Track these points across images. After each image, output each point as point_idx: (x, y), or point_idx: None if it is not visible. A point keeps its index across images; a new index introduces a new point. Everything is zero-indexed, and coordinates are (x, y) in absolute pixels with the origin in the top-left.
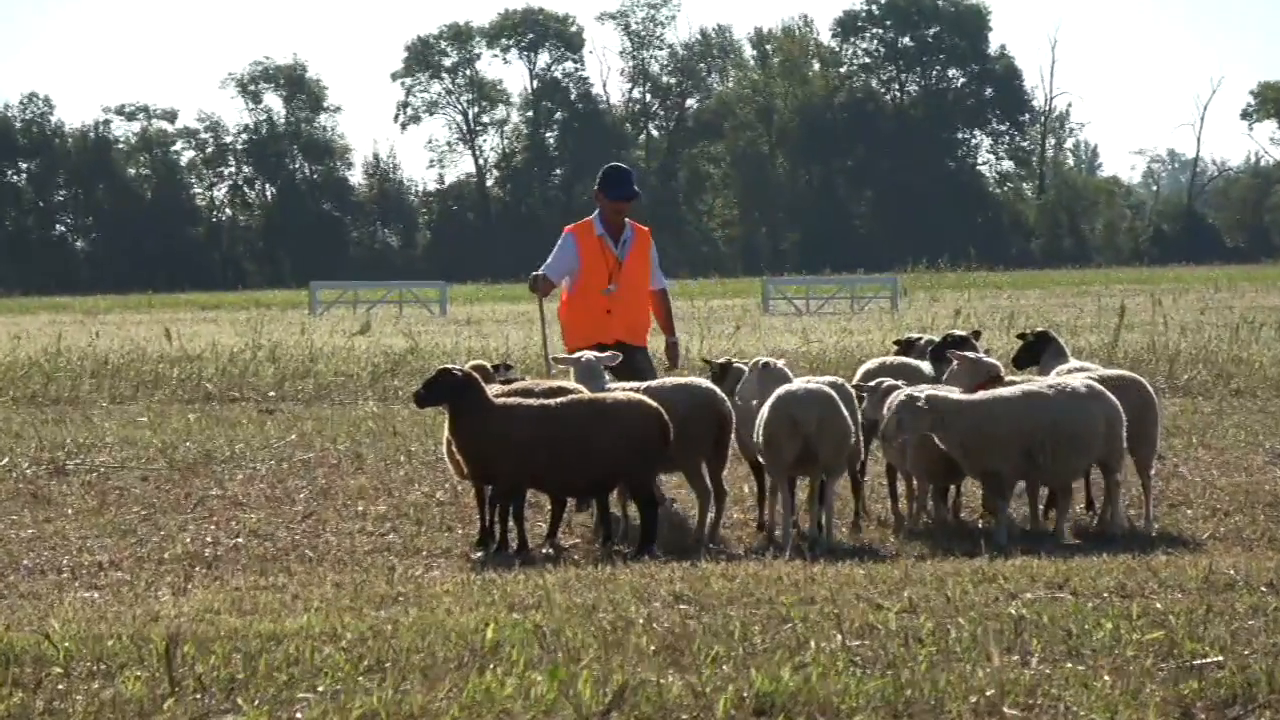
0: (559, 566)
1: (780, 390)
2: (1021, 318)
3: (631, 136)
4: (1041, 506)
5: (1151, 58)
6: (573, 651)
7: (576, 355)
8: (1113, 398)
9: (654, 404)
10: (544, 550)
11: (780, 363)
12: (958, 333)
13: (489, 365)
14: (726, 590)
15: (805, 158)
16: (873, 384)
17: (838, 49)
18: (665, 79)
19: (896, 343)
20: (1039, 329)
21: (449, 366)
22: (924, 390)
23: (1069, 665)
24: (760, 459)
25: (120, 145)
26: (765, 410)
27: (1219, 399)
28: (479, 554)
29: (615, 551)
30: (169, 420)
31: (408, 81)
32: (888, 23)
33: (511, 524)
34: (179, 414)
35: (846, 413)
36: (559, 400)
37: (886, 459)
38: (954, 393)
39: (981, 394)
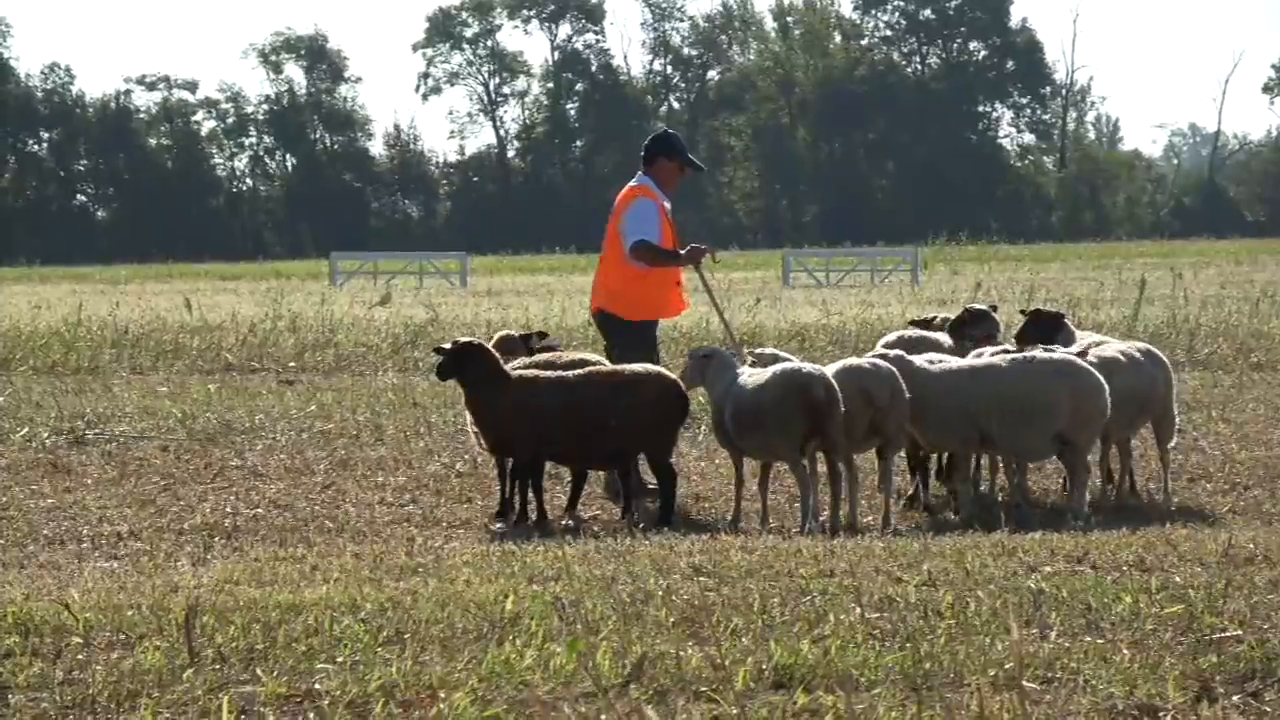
0: (578, 538)
1: (848, 364)
2: (1041, 291)
3: (652, 108)
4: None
5: (1173, 31)
6: (592, 623)
7: (710, 350)
8: (1093, 373)
9: (672, 375)
10: (564, 522)
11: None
12: (977, 306)
13: (516, 334)
14: (746, 563)
15: (826, 130)
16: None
17: (859, 21)
18: (686, 51)
19: (912, 321)
20: (1034, 308)
21: (465, 339)
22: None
23: (1088, 639)
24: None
25: (141, 115)
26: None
27: (1239, 373)
28: (499, 526)
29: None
30: (189, 390)
31: (429, 52)
32: None
33: (531, 496)
34: (199, 384)
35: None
36: (576, 372)
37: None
38: (917, 360)
39: (940, 364)
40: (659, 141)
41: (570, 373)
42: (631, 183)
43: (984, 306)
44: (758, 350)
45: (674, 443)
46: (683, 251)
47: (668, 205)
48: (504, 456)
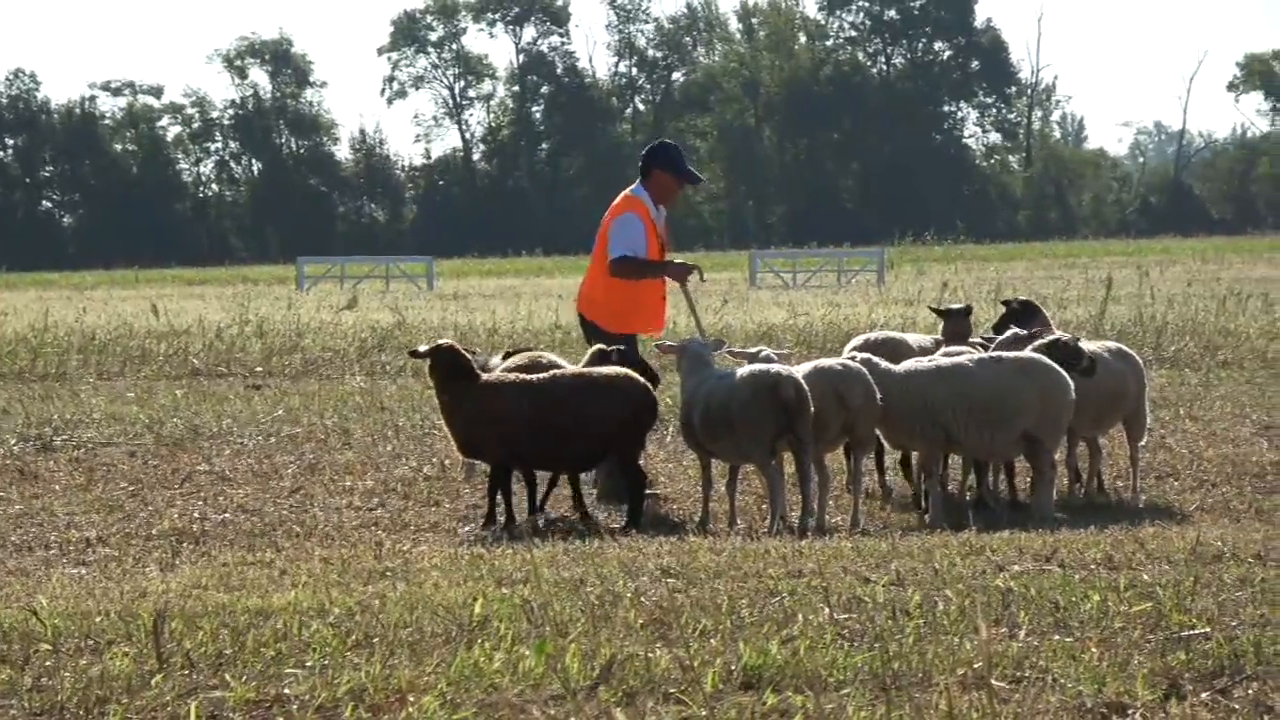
0: (546, 541)
1: (820, 365)
2: (1008, 290)
3: (618, 110)
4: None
5: (1137, 30)
6: (560, 625)
7: (684, 342)
8: (1059, 371)
9: (640, 379)
10: (522, 525)
11: (703, 341)
12: (953, 305)
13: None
14: (714, 564)
15: (792, 131)
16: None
17: (824, 22)
18: (651, 53)
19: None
20: (1022, 298)
21: (442, 340)
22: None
23: (1056, 637)
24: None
25: (106, 121)
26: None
27: (1206, 371)
28: (467, 529)
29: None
30: (156, 396)
31: (394, 56)
32: None
33: (501, 498)
34: (166, 389)
35: None
36: (543, 375)
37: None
38: (883, 362)
39: (904, 365)
40: (656, 154)
41: (536, 376)
42: (626, 191)
43: (959, 305)
44: (735, 349)
45: (642, 445)
46: (669, 264)
47: (662, 216)
48: (470, 458)
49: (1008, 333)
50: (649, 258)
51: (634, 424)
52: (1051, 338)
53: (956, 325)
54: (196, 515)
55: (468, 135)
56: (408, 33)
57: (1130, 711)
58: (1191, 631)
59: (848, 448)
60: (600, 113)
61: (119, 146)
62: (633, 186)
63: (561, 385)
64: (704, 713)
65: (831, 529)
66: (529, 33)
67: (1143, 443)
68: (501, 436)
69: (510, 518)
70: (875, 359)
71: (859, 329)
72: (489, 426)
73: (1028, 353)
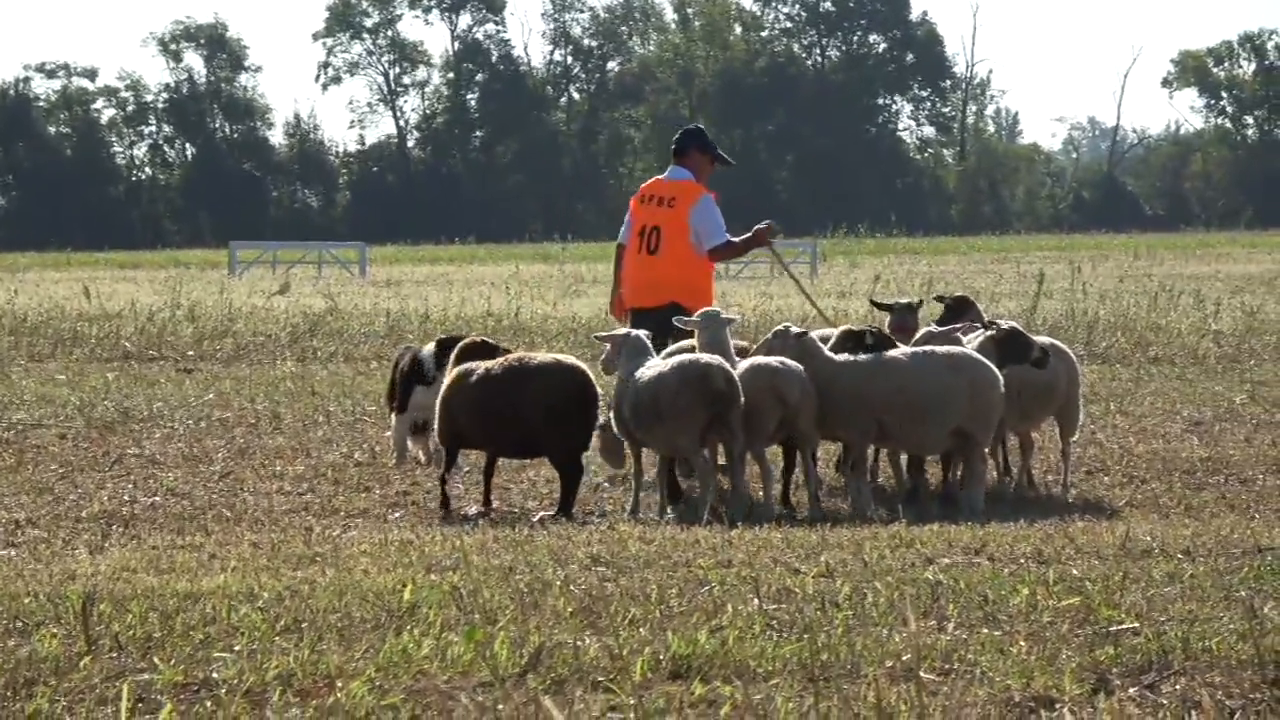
0: (477, 528)
1: (755, 363)
2: (940, 284)
3: (552, 99)
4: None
5: (1072, 25)
6: (490, 613)
7: (625, 331)
8: (989, 366)
9: (580, 366)
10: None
11: (642, 332)
12: (899, 300)
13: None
14: (644, 553)
15: (726, 122)
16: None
17: (759, 13)
18: (587, 42)
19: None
20: (958, 294)
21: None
22: (799, 329)
23: (985, 630)
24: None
25: (40, 103)
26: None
27: (1137, 366)
28: (399, 515)
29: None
30: (87, 379)
31: (329, 42)
32: None
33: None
34: (97, 372)
35: None
36: (488, 363)
37: None
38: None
39: (840, 356)
40: (694, 136)
41: (482, 364)
42: (671, 177)
43: (906, 300)
44: (684, 319)
45: (583, 435)
46: (749, 235)
47: None
48: (439, 442)
49: (924, 330)
50: None
51: (571, 413)
52: (1006, 329)
53: (901, 320)
54: (126, 498)
55: (402, 122)
56: (343, 18)
57: (1058, 705)
58: (1120, 626)
59: (800, 445)
60: (535, 101)
61: (53, 129)
62: (672, 168)
63: (501, 374)
64: (632, 701)
65: (762, 519)
66: (464, 20)
67: (1075, 438)
68: (447, 421)
69: (444, 503)
70: (818, 343)
71: (791, 320)
72: (443, 411)
73: (959, 348)
